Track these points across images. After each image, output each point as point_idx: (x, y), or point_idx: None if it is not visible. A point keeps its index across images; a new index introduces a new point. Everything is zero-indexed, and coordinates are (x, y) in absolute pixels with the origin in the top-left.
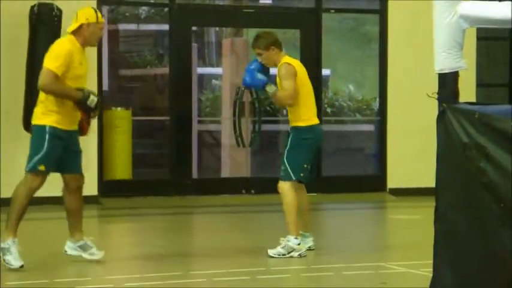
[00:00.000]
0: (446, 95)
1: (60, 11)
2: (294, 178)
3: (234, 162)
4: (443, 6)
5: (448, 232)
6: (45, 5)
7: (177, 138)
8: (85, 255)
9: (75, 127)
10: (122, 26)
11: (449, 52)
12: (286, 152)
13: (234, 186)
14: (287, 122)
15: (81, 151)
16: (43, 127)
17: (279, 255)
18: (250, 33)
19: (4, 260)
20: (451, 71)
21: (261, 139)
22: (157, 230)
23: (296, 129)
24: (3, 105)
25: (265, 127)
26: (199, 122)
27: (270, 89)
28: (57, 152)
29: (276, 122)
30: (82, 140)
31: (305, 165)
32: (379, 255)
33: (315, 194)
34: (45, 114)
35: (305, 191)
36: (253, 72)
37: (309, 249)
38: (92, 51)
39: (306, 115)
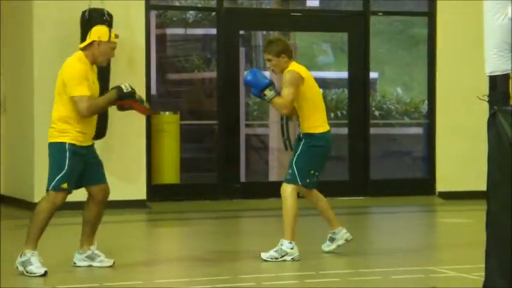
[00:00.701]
0: (498, 97)
1: (110, 16)
2: (299, 183)
3: (282, 165)
4: (494, 8)
5: (500, 236)
6: (96, 10)
7: (224, 142)
8: (95, 264)
9: (91, 142)
10: (170, 31)
11: (500, 54)
12: (296, 156)
13: None
14: (334, 125)
15: (101, 162)
16: (63, 144)
17: (272, 258)
18: (298, 36)
19: (27, 272)
20: (502, 73)
21: None
22: (206, 234)
23: (309, 136)
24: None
25: None
26: (247, 125)
27: (269, 92)
28: (79, 169)
29: None
30: (131, 144)
31: (312, 172)
32: (428, 259)
33: (363, 198)
34: (63, 133)
35: (317, 192)
36: (258, 72)
37: (347, 240)
38: (140, 56)
39: (318, 122)
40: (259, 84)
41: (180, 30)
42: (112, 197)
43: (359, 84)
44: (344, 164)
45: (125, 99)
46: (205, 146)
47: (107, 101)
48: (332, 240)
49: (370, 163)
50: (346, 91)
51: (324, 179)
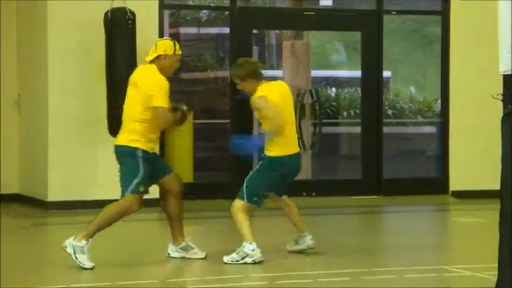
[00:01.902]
0: (511, 96)
1: (133, 14)
2: (245, 200)
3: None
4: (508, 7)
5: None
6: (118, 9)
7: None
8: (188, 256)
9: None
10: (183, 30)
11: None
12: (250, 173)
13: (295, 188)
14: (347, 124)
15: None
16: (135, 150)
17: (233, 261)
18: (311, 35)
19: (76, 258)
20: None
21: (322, 141)
22: (219, 233)
23: (268, 158)
24: (67, 108)
25: (326, 129)
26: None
27: (268, 135)
28: (149, 174)
29: (337, 124)
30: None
31: (261, 192)
32: (442, 258)
33: (376, 197)
34: (136, 140)
35: (285, 198)
36: (240, 143)
37: (309, 248)
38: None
39: (279, 145)
40: (256, 148)
41: (193, 30)
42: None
43: (372, 83)
44: (357, 163)
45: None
46: (218, 144)
47: (176, 120)
48: (297, 242)
49: (383, 162)
50: (359, 90)
51: (337, 177)
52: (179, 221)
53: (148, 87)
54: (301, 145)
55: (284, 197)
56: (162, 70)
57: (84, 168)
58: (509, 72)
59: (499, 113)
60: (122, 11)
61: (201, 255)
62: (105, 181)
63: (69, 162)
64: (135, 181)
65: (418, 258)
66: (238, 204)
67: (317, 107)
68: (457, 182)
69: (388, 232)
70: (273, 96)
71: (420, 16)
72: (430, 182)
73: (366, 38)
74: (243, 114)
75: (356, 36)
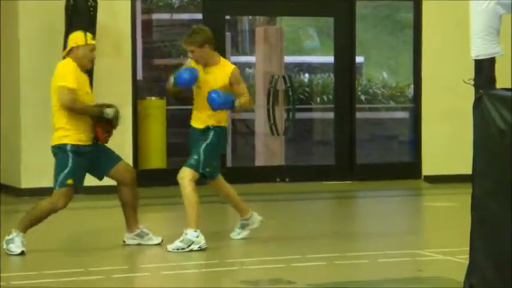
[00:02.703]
0: (483, 81)
1: (95, 1)
2: (200, 171)
3: (268, 150)
4: None
5: (484, 219)
6: None
7: None
8: (143, 242)
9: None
10: (156, 16)
11: (486, 38)
12: (205, 144)
13: (268, 174)
14: (320, 110)
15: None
16: (64, 146)
17: (178, 249)
18: (284, 21)
19: (7, 250)
20: (488, 57)
21: (295, 127)
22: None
23: (218, 128)
24: (39, 95)
25: (299, 115)
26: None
27: (238, 103)
28: (83, 168)
29: (310, 110)
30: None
31: (215, 163)
32: (414, 243)
33: (350, 182)
34: (64, 136)
35: (223, 180)
36: (218, 93)
37: (262, 222)
38: (126, 42)
39: (225, 116)
40: (229, 103)
41: (166, 16)
42: (98, 182)
43: (345, 69)
44: (330, 148)
45: (100, 123)
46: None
47: (89, 112)
48: (244, 226)
49: (356, 147)
50: (332, 76)
51: (310, 163)
52: (133, 209)
53: (56, 77)
54: (275, 131)
55: (220, 180)
56: (77, 62)
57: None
58: (481, 57)
59: (471, 97)
60: None
61: (157, 240)
62: None
63: (42, 148)
64: (62, 175)
65: (391, 243)
66: (189, 175)
67: (290, 93)
68: (429, 166)
69: (361, 217)
70: None
71: (392, 2)
72: (403, 166)
73: (338, 23)
74: None
75: (329, 21)
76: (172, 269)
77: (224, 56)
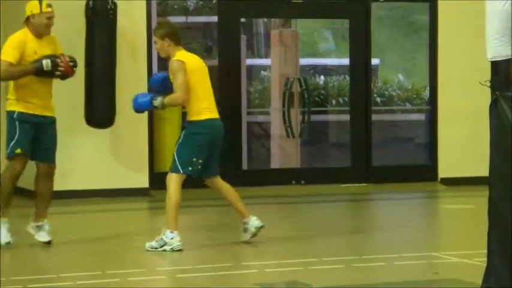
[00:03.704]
0: (499, 83)
1: (114, 4)
2: (181, 171)
3: (284, 153)
4: None
5: (501, 221)
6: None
7: (226, 129)
8: (36, 236)
9: (48, 113)
10: (171, 18)
11: (502, 39)
12: (177, 144)
13: (284, 177)
14: (336, 112)
15: (54, 144)
16: (12, 113)
17: (152, 248)
18: (299, 23)
19: None
20: (504, 58)
21: (311, 129)
22: (208, 222)
23: (190, 123)
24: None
25: (315, 117)
26: (249, 113)
27: (156, 102)
28: (29, 136)
29: (325, 112)
30: (132, 133)
31: (194, 159)
32: (431, 245)
33: (365, 185)
34: (14, 102)
35: (221, 181)
36: (137, 98)
37: (257, 228)
38: (142, 44)
39: (198, 110)
40: (143, 106)
41: (181, 18)
42: (115, 185)
43: (360, 71)
44: (346, 151)
45: (45, 75)
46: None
47: (21, 73)
48: (246, 230)
49: (372, 150)
50: (347, 78)
51: (326, 165)
52: (43, 201)
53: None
54: (290, 133)
55: (218, 181)
56: (35, 31)
57: (62, 158)
58: (497, 59)
59: (487, 99)
60: (104, 0)
61: (46, 239)
62: (82, 171)
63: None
64: (11, 143)
65: (408, 246)
66: (172, 177)
67: (306, 95)
68: (445, 169)
69: (378, 220)
70: (191, 64)
71: (408, 3)
72: (419, 169)
73: (354, 25)
74: (231, 103)
75: (344, 23)
76: (187, 272)
77: (239, 59)
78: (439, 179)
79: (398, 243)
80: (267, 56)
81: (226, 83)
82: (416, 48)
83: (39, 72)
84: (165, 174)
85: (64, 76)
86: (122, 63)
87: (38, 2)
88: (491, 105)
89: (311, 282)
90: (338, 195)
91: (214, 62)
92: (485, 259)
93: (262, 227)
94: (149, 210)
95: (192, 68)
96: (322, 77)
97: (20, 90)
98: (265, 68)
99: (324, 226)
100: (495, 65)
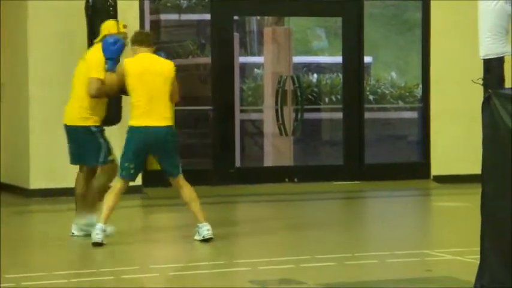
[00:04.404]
0: (492, 80)
1: (114, 1)
2: (118, 174)
3: (277, 150)
4: None
5: (494, 219)
6: None
7: (219, 127)
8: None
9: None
10: (164, 16)
11: (495, 37)
12: None
13: (277, 174)
14: (329, 110)
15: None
16: (90, 127)
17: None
18: (292, 21)
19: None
20: (497, 56)
21: (303, 127)
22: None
23: (128, 128)
24: (48, 95)
25: (308, 115)
26: (242, 111)
27: (108, 65)
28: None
29: (318, 110)
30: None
31: (126, 164)
32: (424, 243)
33: (358, 182)
34: (91, 116)
35: (182, 182)
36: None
37: (208, 239)
38: None
39: (131, 115)
40: (108, 51)
41: (174, 16)
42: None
43: (353, 69)
44: (339, 149)
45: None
46: (200, 131)
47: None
48: (197, 232)
49: (365, 147)
50: (340, 76)
51: (319, 163)
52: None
53: (88, 62)
54: (283, 131)
55: (179, 182)
56: None
57: (66, 155)
58: (490, 57)
59: (480, 97)
60: None
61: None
62: (75, 169)
63: (51, 149)
64: (101, 153)
65: (400, 243)
66: (116, 180)
67: (299, 93)
68: (438, 166)
69: (370, 217)
70: (134, 68)
71: (401, 1)
72: (412, 166)
73: (346, 23)
74: (225, 101)
75: (337, 21)
76: (181, 270)
77: (232, 57)
78: (431, 177)
79: (391, 241)
80: (260, 53)
81: (220, 81)
82: (409, 46)
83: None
84: (158, 172)
85: None
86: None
87: (115, 22)
88: (483, 102)
89: (304, 280)
90: (331, 193)
91: (208, 60)
92: (478, 256)
93: (210, 239)
94: (142, 208)
95: (133, 73)
96: (315, 75)
97: (97, 105)
98: (258, 65)
99: (316, 224)
100: (488, 63)
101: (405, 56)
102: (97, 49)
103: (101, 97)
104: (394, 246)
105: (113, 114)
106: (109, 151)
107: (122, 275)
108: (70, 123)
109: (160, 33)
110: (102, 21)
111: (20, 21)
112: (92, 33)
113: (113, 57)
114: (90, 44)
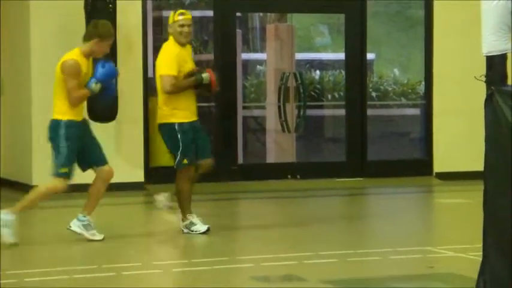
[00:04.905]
0: (495, 77)
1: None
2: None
3: (279, 147)
4: None
5: (496, 215)
6: None
7: (222, 124)
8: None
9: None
10: (167, 13)
11: (498, 34)
12: None
13: (280, 171)
14: (331, 106)
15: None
16: (172, 125)
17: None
18: (295, 18)
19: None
20: (500, 53)
21: (306, 124)
22: (203, 216)
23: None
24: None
25: (310, 112)
26: (244, 107)
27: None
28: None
29: (321, 106)
30: (128, 127)
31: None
32: (426, 240)
33: (361, 179)
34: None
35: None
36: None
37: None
38: (137, 39)
39: (62, 109)
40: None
41: None
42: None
43: (356, 66)
44: (341, 145)
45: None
46: (203, 128)
47: (186, 87)
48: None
49: (368, 144)
50: (343, 72)
51: (321, 160)
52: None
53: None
54: (286, 127)
55: (100, 171)
56: (176, 40)
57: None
58: (492, 54)
59: (483, 94)
60: None
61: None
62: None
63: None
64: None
65: (403, 240)
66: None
67: (301, 90)
68: (441, 163)
69: (373, 214)
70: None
71: None
72: (414, 163)
73: (349, 20)
74: (227, 98)
75: (340, 18)
76: (183, 266)
77: (235, 54)
78: (434, 174)
79: (393, 238)
80: (262, 50)
81: (222, 77)
82: (411, 43)
83: (199, 85)
84: (160, 168)
85: (210, 91)
86: (118, 57)
87: (172, 12)
88: (486, 99)
89: (306, 276)
90: (333, 190)
91: (210, 57)
92: (481, 253)
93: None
94: (144, 205)
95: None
96: (317, 72)
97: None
98: (260, 62)
99: (319, 220)
100: (490, 60)
101: (408, 53)
102: (166, 47)
103: (177, 92)
104: (397, 243)
105: (108, 110)
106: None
107: (123, 271)
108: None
109: (162, 30)
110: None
111: (22, 20)
112: None
113: (98, 78)
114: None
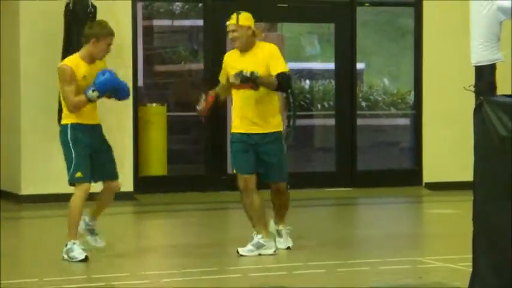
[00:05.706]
0: (483, 87)
1: (94, 7)
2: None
3: None
4: None
5: (486, 226)
6: (80, 1)
7: (211, 133)
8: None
9: None
10: (157, 22)
11: (486, 44)
12: None
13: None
14: (321, 116)
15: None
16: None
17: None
18: (285, 27)
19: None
20: (488, 63)
21: (296, 134)
22: (193, 226)
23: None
24: (40, 100)
25: (300, 122)
26: None
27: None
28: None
29: (311, 116)
30: (117, 137)
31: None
32: (415, 250)
33: (350, 189)
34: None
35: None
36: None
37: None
38: (127, 47)
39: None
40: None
41: (166, 22)
42: (99, 188)
43: (346, 75)
44: (331, 155)
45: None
46: (192, 137)
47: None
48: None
49: (357, 154)
50: (333, 82)
51: (311, 170)
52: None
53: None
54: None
55: (107, 184)
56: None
57: (58, 161)
58: (481, 64)
59: (472, 104)
60: (84, 3)
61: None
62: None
63: (42, 155)
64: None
65: (392, 250)
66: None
67: (291, 100)
68: (430, 173)
69: (362, 224)
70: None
71: (393, 8)
72: (404, 173)
73: (339, 30)
74: (217, 106)
75: (330, 28)
76: (172, 277)
77: None
78: (423, 184)
79: (382, 248)
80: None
81: (212, 86)
82: (401, 53)
83: (246, 80)
84: (150, 178)
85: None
86: (108, 65)
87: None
88: (475, 109)
89: (296, 287)
90: (323, 200)
91: (200, 66)
92: (470, 264)
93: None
94: (134, 214)
95: None
96: (307, 81)
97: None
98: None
99: (308, 230)
100: (479, 70)
101: (398, 62)
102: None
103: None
104: (386, 253)
105: None
106: None
107: (113, 281)
108: None
109: (153, 39)
110: (80, 27)
111: (12, 22)
112: (69, 39)
113: (96, 86)
114: (66, 49)
